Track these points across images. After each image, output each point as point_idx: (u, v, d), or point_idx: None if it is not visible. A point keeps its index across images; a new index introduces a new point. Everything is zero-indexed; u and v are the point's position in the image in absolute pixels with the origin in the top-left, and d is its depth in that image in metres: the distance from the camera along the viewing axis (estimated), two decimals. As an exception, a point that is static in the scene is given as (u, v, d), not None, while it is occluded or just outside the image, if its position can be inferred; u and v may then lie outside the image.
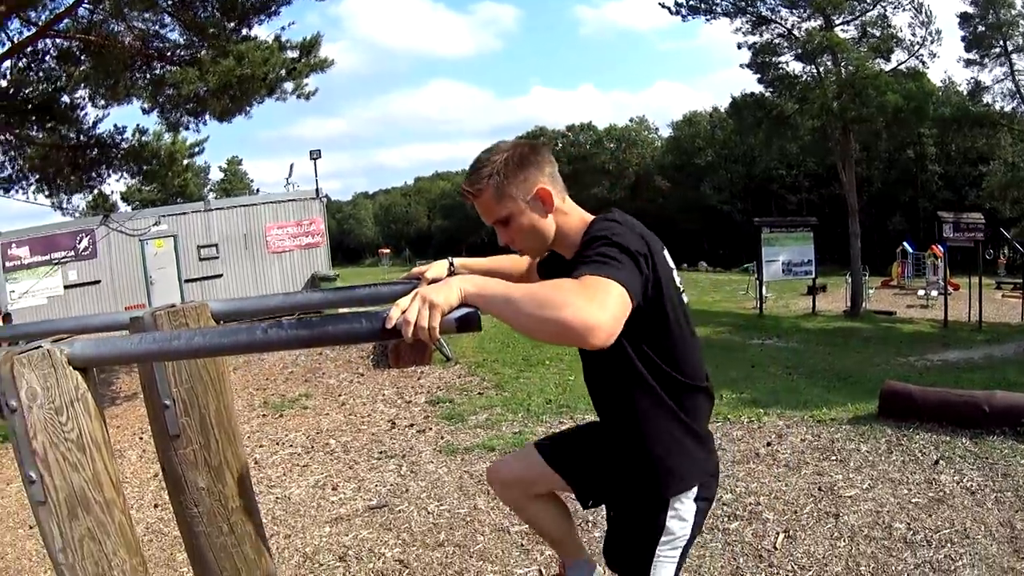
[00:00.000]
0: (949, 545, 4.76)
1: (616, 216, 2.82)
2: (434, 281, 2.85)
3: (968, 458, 6.13)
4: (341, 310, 3.72)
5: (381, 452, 8.85)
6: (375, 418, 10.68)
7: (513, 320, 2.18)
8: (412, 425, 9.96)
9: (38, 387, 2.44)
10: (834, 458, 6.73)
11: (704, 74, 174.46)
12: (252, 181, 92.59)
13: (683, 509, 2.92)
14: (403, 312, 2.14)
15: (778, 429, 7.85)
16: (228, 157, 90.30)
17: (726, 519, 5.67)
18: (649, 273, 2.56)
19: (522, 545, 5.57)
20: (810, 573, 4.69)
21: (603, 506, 3.30)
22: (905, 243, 38.04)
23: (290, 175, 40.92)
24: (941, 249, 26.73)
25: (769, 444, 7.35)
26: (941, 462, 6.19)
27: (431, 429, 9.64)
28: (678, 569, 3.04)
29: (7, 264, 24.81)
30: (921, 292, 30.12)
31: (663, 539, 2.93)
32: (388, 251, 66.40)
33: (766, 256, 26.08)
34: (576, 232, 2.90)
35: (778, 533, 5.28)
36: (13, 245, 24.92)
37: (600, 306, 2.15)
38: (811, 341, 19.38)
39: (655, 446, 2.87)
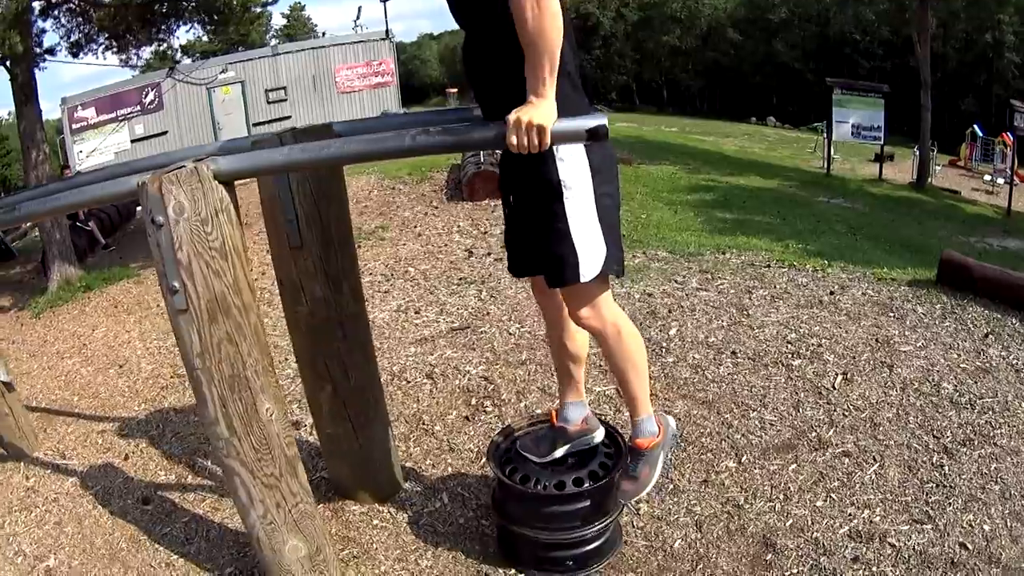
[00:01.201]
0: (991, 413, 4.97)
1: None
2: None
3: (1016, 338, 6.25)
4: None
5: (460, 279, 9.12)
6: (452, 248, 10.89)
7: (553, 49, 2.75)
8: (489, 254, 10.14)
9: (185, 201, 2.72)
10: (891, 314, 6.91)
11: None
12: (316, 26, 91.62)
13: (568, 156, 3.02)
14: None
15: (841, 281, 8.02)
16: (291, 3, 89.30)
17: (790, 356, 5.96)
18: None
19: (599, 365, 5.84)
20: (864, 414, 4.96)
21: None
22: (975, 126, 36.95)
23: (358, 18, 40.72)
24: (1011, 137, 26.07)
25: (832, 293, 7.56)
26: (991, 336, 6.33)
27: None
28: (608, 238, 3.20)
29: (74, 126, 25.24)
30: (987, 177, 29.47)
31: (563, 195, 3.05)
32: (455, 90, 65.76)
33: (836, 117, 25.58)
34: None
35: (836, 374, 5.56)
36: (79, 107, 25.46)
37: None
38: (876, 206, 19.26)
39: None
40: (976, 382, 5.45)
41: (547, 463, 3.77)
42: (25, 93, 13.96)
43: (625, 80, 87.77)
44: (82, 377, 8.25)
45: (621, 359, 3.44)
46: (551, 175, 3.04)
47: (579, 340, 3.74)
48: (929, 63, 27.41)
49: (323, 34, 70.24)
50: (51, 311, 12.06)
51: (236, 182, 2.97)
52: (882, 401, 5.14)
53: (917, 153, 26.90)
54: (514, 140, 2.66)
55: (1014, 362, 5.77)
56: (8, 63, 13.49)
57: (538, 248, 3.26)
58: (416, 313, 7.98)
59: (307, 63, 27.11)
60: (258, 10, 18.83)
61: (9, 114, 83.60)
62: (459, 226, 12.21)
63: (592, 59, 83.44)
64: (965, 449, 4.56)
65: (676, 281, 8.20)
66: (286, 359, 6.53)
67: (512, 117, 2.68)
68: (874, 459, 4.46)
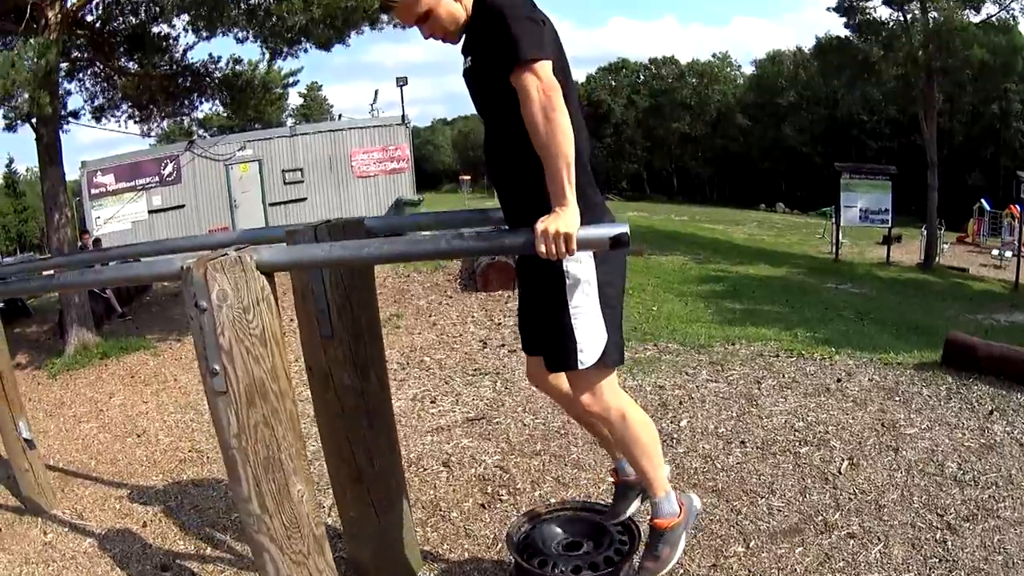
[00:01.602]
0: (994, 487, 5.06)
1: None
2: None
3: (1021, 412, 6.33)
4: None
5: (475, 369, 9.28)
6: (467, 338, 11.05)
7: (567, 157, 2.94)
8: (503, 345, 10.30)
9: (228, 289, 2.88)
10: (897, 398, 7.01)
11: (785, 9, 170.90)
12: (332, 107, 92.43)
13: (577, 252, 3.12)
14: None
15: (848, 368, 8.12)
16: (308, 83, 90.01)
17: (797, 443, 6.06)
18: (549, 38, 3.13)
19: (616, 456, 5.97)
20: (869, 497, 5.07)
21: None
22: (983, 200, 37.15)
23: (375, 101, 41.22)
24: (1019, 209, 26.07)
25: (839, 380, 7.66)
26: (995, 413, 6.42)
27: (522, 350, 9.90)
28: (609, 326, 3.37)
29: (92, 191, 25.45)
30: (995, 252, 29.72)
31: (568, 286, 3.25)
32: (468, 178, 66.25)
33: (844, 201, 25.83)
34: (469, 7, 3.37)
35: (843, 460, 5.66)
36: (98, 173, 25.64)
37: (548, 93, 2.93)
38: (884, 290, 19.41)
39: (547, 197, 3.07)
40: (980, 459, 5.56)
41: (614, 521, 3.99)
42: (50, 154, 14.20)
43: (636, 168, 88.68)
44: (100, 442, 8.46)
45: (630, 443, 3.56)
46: (558, 264, 3.22)
47: None
48: (935, 141, 27.75)
49: (339, 116, 70.76)
50: (68, 373, 12.28)
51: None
52: (887, 483, 5.24)
53: (924, 233, 27.03)
54: (543, 248, 2.82)
55: (1019, 436, 5.89)
56: (34, 122, 13.73)
57: (541, 331, 3.48)
58: (432, 402, 8.12)
59: (324, 145, 27.24)
60: (279, 90, 19.11)
61: (27, 170, 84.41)
62: (473, 316, 12.38)
63: (603, 147, 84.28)
64: (968, 524, 4.65)
65: (687, 373, 8.33)
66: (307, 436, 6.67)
67: (540, 227, 2.83)
68: (878, 539, 4.57)
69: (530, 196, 3.15)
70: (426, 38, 3.43)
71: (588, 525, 4.18)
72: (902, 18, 27.48)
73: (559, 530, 4.17)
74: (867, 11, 28.59)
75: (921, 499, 5.02)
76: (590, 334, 3.30)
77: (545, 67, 2.97)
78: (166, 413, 9.26)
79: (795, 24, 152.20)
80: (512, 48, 2.98)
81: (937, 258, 26.65)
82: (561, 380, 3.69)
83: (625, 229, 2.80)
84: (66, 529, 5.79)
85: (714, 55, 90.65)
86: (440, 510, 5.49)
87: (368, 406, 4.03)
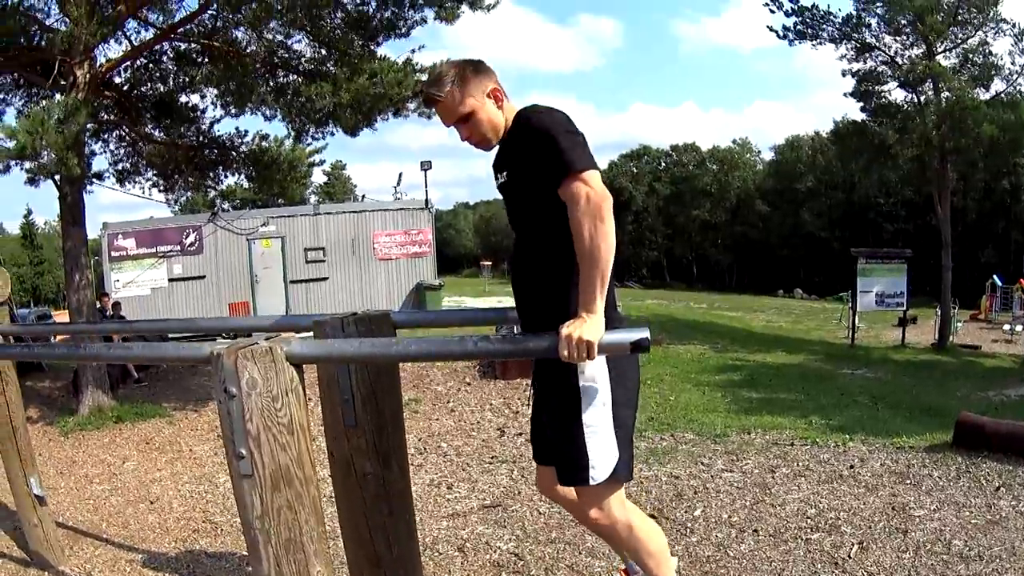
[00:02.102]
0: (998, 560, 5.20)
1: (547, 106, 3.45)
2: None
3: None
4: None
5: (492, 457, 9.40)
6: (484, 426, 11.19)
7: (606, 267, 3.09)
8: (521, 434, 10.38)
9: (259, 377, 3.00)
10: (908, 481, 7.15)
11: (804, 95, 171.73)
12: (355, 186, 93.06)
13: (590, 365, 3.27)
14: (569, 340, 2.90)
15: (861, 454, 8.26)
16: (332, 161, 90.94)
17: (809, 530, 6.14)
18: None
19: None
20: (877, 580, 5.23)
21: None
22: (995, 276, 37.36)
23: (399, 183, 41.52)
24: None
25: (852, 467, 7.77)
26: (1002, 488, 6.59)
27: None
28: (621, 444, 3.42)
29: (112, 254, 25.55)
30: (1006, 327, 29.69)
31: (583, 403, 3.33)
32: (489, 263, 66.34)
33: (861, 287, 25.75)
34: (510, 121, 3.58)
35: (853, 544, 5.73)
36: (120, 236, 25.72)
37: (599, 202, 3.11)
38: (898, 373, 19.34)
39: (570, 304, 3.16)
40: (985, 535, 5.71)
41: None
42: (73, 215, 14.46)
43: (656, 256, 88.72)
44: (111, 505, 8.56)
45: (640, 552, 3.66)
46: (572, 379, 3.34)
47: None
48: (949, 221, 27.76)
49: (362, 196, 71.18)
50: (80, 433, 12.42)
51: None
52: (895, 565, 5.33)
53: (939, 313, 27.00)
54: (565, 352, 2.90)
55: (1023, 509, 6.05)
56: (59, 180, 13.94)
57: (553, 444, 3.58)
58: (449, 488, 8.21)
59: (347, 225, 27.19)
60: (304, 168, 19.36)
61: (46, 223, 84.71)
62: (491, 404, 12.49)
63: (624, 234, 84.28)
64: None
65: (702, 463, 8.43)
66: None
67: (564, 332, 2.91)
68: (886, 621, 4.68)
69: (552, 306, 3.32)
70: (463, 139, 3.59)
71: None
72: (916, 100, 27.77)
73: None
74: (882, 95, 28.89)
75: (927, 578, 5.13)
76: (602, 451, 3.39)
77: (596, 176, 3.17)
78: (180, 482, 9.36)
79: (813, 108, 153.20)
80: (562, 161, 3.16)
81: (951, 337, 26.55)
82: (570, 491, 3.76)
83: (645, 334, 2.86)
84: (72, 586, 5.85)
85: (734, 141, 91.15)
86: (455, 595, 5.57)
87: (389, 494, 4.09)
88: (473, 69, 3.52)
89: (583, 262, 3.08)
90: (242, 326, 4.26)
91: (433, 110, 3.69)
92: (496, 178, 3.66)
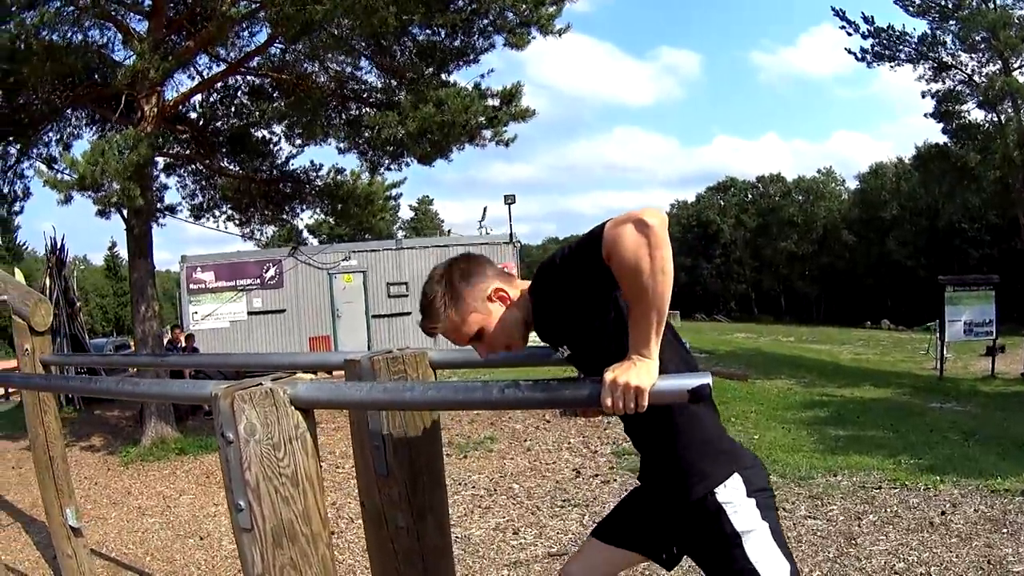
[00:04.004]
0: None
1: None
2: None
3: None
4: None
5: (564, 500, 9.05)
6: (559, 465, 10.86)
7: (663, 303, 2.49)
8: (597, 475, 10.08)
9: (257, 423, 2.67)
10: (1005, 530, 6.76)
11: (883, 120, 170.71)
12: (443, 221, 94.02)
13: (740, 506, 2.93)
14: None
15: (952, 498, 7.87)
16: (419, 196, 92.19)
17: (898, 587, 5.74)
18: None
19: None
20: (971, 644, 4.79)
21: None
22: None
23: (483, 218, 41.69)
24: None
25: (943, 513, 7.37)
26: None
27: (616, 480, 9.76)
28: (787, 554, 3.01)
29: (191, 287, 25.95)
30: (1101, 353, 28.80)
31: (744, 538, 2.92)
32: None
33: (949, 316, 25.19)
34: (528, 307, 3.09)
35: (946, 605, 5.36)
36: (198, 269, 26.13)
37: (650, 225, 2.46)
38: (988, 406, 18.74)
39: (687, 451, 2.96)
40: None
41: None
42: (140, 246, 14.64)
43: (744, 288, 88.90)
44: (160, 539, 8.47)
45: None
46: (725, 527, 2.95)
47: None
48: (1037, 243, 27.21)
49: (448, 232, 71.79)
50: (140, 463, 12.46)
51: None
52: (993, 629, 4.93)
53: (1029, 341, 26.22)
54: (609, 401, 2.43)
55: None
56: (125, 213, 14.09)
57: None
58: (515, 534, 7.89)
59: (430, 259, 26.92)
60: (381, 201, 19.33)
61: (76, 259, 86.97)
62: (569, 443, 12.16)
63: (712, 268, 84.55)
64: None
65: (785, 508, 8.01)
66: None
67: (609, 377, 2.44)
68: None
69: (667, 445, 3.06)
70: (483, 358, 3.29)
71: None
72: (996, 119, 27.29)
73: None
74: (962, 115, 28.46)
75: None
76: (775, 571, 2.99)
77: (630, 214, 2.55)
78: (234, 518, 9.17)
79: (893, 135, 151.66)
80: (583, 242, 2.67)
81: (1043, 364, 25.66)
82: None
83: (707, 380, 2.33)
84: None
85: (819, 171, 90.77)
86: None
87: (424, 549, 3.75)
88: (462, 276, 3.08)
89: (636, 301, 2.53)
90: (272, 364, 3.98)
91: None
92: (560, 353, 3.25)
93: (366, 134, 15.63)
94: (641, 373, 2.42)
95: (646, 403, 2.41)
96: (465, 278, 3.05)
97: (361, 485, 3.78)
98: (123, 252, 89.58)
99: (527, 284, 3.12)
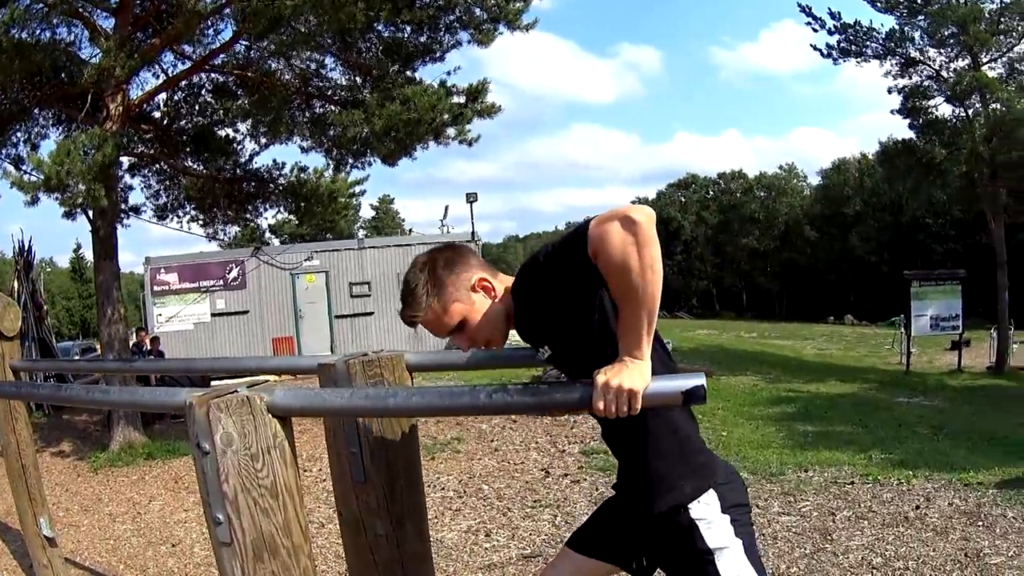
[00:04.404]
0: None
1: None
2: None
3: None
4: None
5: (535, 501, 9.00)
6: (528, 466, 10.79)
7: (654, 302, 2.43)
8: (567, 475, 10.04)
9: (234, 432, 2.55)
10: (980, 524, 6.79)
11: (843, 117, 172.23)
12: (403, 220, 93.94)
13: (714, 522, 2.91)
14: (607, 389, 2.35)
15: (926, 492, 7.92)
16: (380, 195, 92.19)
17: (876, 583, 5.72)
18: None
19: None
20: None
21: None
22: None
23: (445, 217, 41.48)
24: None
25: (918, 508, 7.41)
26: None
27: (585, 480, 9.72)
28: (755, 562, 2.96)
29: (155, 288, 25.92)
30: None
31: (716, 555, 2.89)
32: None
33: (915, 311, 25.40)
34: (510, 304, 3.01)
35: (924, 600, 5.36)
36: (162, 271, 26.09)
37: (638, 222, 2.39)
38: (956, 400, 19.02)
39: (659, 460, 2.96)
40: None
41: None
42: (105, 248, 14.47)
43: (706, 285, 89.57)
44: (131, 546, 8.40)
45: None
46: (698, 543, 2.92)
47: None
48: (1003, 238, 27.34)
49: (409, 230, 71.73)
50: (109, 469, 12.38)
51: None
52: (975, 622, 4.93)
53: (995, 336, 26.72)
54: (601, 405, 2.36)
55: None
56: (91, 214, 13.96)
57: None
58: (487, 536, 7.83)
59: (392, 259, 27.03)
60: (344, 200, 19.27)
61: (42, 261, 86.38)
62: (537, 443, 12.11)
63: (674, 265, 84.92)
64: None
65: (758, 506, 7.97)
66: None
67: (600, 379, 2.36)
68: None
69: (640, 455, 3.03)
70: (466, 351, 3.25)
71: None
72: (964, 114, 27.57)
73: None
74: (929, 111, 28.75)
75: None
76: None
77: (616, 211, 2.48)
78: (206, 525, 9.05)
79: (853, 132, 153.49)
80: (567, 239, 2.62)
81: (1008, 360, 26.06)
82: None
83: (701, 381, 2.31)
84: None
85: (780, 167, 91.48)
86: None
87: (404, 557, 3.67)
88: (446, 265, 3.01)
89: (626, 302, 2.46)
90: (242, 368, 3.90)
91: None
92: (541, 354, 3.18)
93: (331, 132, 15.58)
94: (634, 375, 2.37)
95: (639, 406, 2.35)
96: (449, 267, 2.99)
97: (337, 493, 3.69)
98: (88, 254, 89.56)
99: (511, 280, 3.03)
